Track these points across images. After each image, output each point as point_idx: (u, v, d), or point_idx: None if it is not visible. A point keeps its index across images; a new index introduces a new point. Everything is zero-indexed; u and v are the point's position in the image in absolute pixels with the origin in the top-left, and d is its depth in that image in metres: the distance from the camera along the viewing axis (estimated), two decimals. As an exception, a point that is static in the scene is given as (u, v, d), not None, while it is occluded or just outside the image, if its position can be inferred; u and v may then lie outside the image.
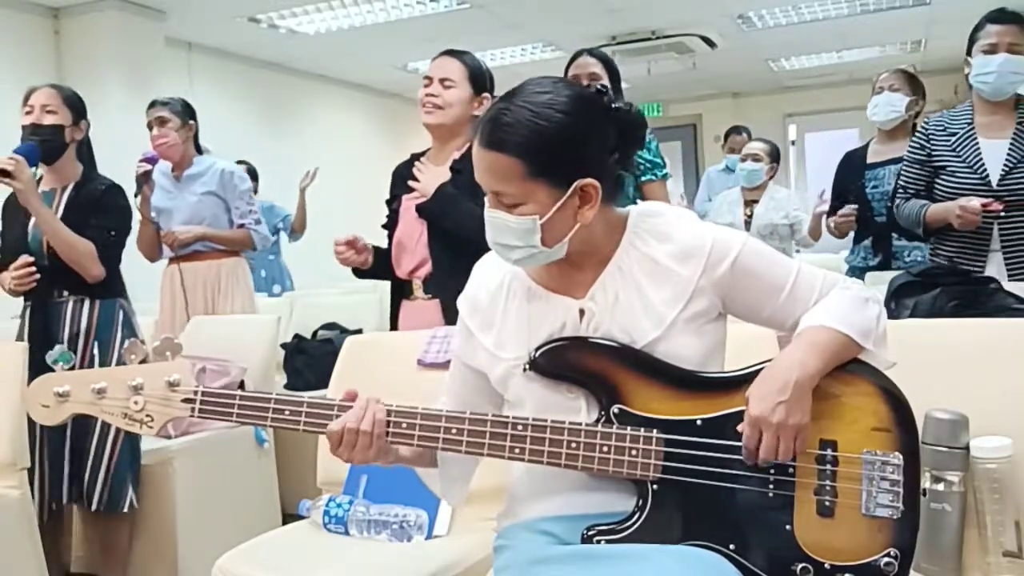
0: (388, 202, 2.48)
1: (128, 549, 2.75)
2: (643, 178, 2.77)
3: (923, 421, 1.48)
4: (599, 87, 1.30)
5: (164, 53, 5.85)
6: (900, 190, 2.76)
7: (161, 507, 2.72)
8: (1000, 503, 1.48)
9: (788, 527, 1.21)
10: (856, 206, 3.38)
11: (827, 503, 1.21)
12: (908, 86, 3.36)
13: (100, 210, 2.70)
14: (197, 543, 2.67)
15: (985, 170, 2.54)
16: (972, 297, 2.09)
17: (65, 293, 2.68)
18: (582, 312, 1.30)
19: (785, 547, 1.21)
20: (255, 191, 5.57)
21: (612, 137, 1.27)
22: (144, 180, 3.33)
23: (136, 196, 3.34)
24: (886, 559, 1.19)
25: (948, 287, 2.13)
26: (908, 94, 3.34)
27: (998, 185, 2.53)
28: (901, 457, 1.21)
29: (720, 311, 1.31)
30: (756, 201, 4.19)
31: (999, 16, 2.57)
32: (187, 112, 3.50)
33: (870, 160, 3.41)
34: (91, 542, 2.83)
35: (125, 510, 2.64)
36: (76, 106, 2.73)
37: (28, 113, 2.67)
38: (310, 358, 3.86)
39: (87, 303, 2.69)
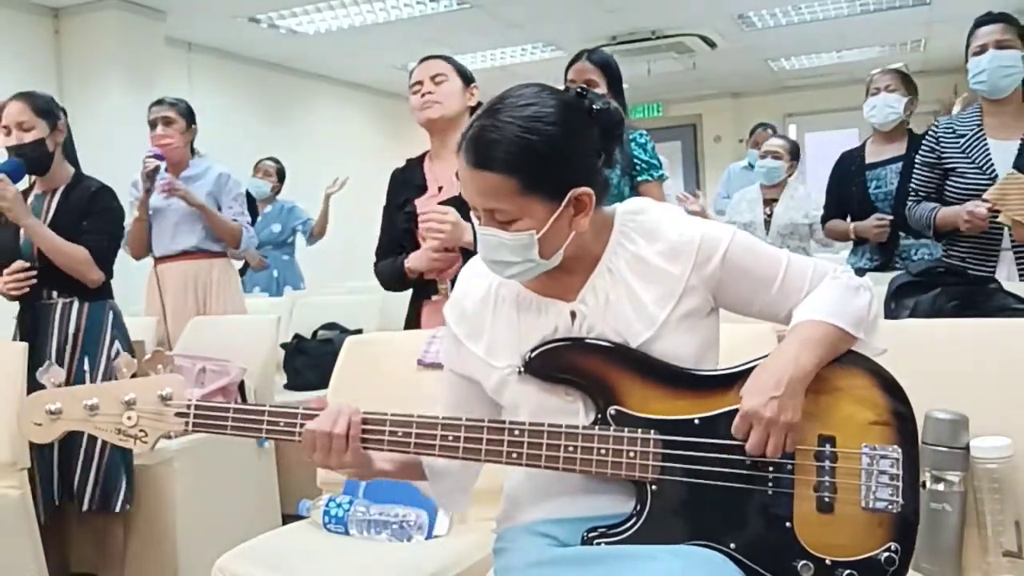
0: (396, 207, 2.41)
1: (124, 548, 2.74)
2: (639, 178, 2.77)
3: (923, 421, 1.48)
4: (579, 89, 1.27)
5: (164, 53, 5.85)
6: (911, 193, 2.79)
7: (161, 507, 2.71)
8: (1000, 503, 1.48)
9: (788, 524, 1.21)
10: (866, 214, 3.36)
11: (826, 499, 1.21)
12: (904, 86, 3.36)
13: (92, 213, 2.69)
14: (197, 543, 2.66)
15: (994, 170, 2.56)
16: (972, 297, 2.09)
17: (54, 294, 2.68)
18: (573, 315, 1.29)
19: (786, 545, 1.20)
20: (279, 191, 5.57)
21: (597, 139, 1.25)
22: (154, 176, 3.32)
23: (146, 191, 3.34)
24: (887, 553, 1.19)
25: (948, 287, 2.13)
26: (904, 94, 3.34)
27: None
28: (900, 450, 1.21)
29: (712, 306, 1.31)
30: (775, 200, 4.16)
31: (986, 18, 2.66)
32: (191, 115, 3.55)
33: (869, 160, 3.42)
34: (87, 542, 2.82)
35: (117, 510, 2.62)
36: (50, 112, 2.69)
37: (7, 133, 2.63)
38: (310, 358, 3.86)
39: (76, 304, 2.68)
